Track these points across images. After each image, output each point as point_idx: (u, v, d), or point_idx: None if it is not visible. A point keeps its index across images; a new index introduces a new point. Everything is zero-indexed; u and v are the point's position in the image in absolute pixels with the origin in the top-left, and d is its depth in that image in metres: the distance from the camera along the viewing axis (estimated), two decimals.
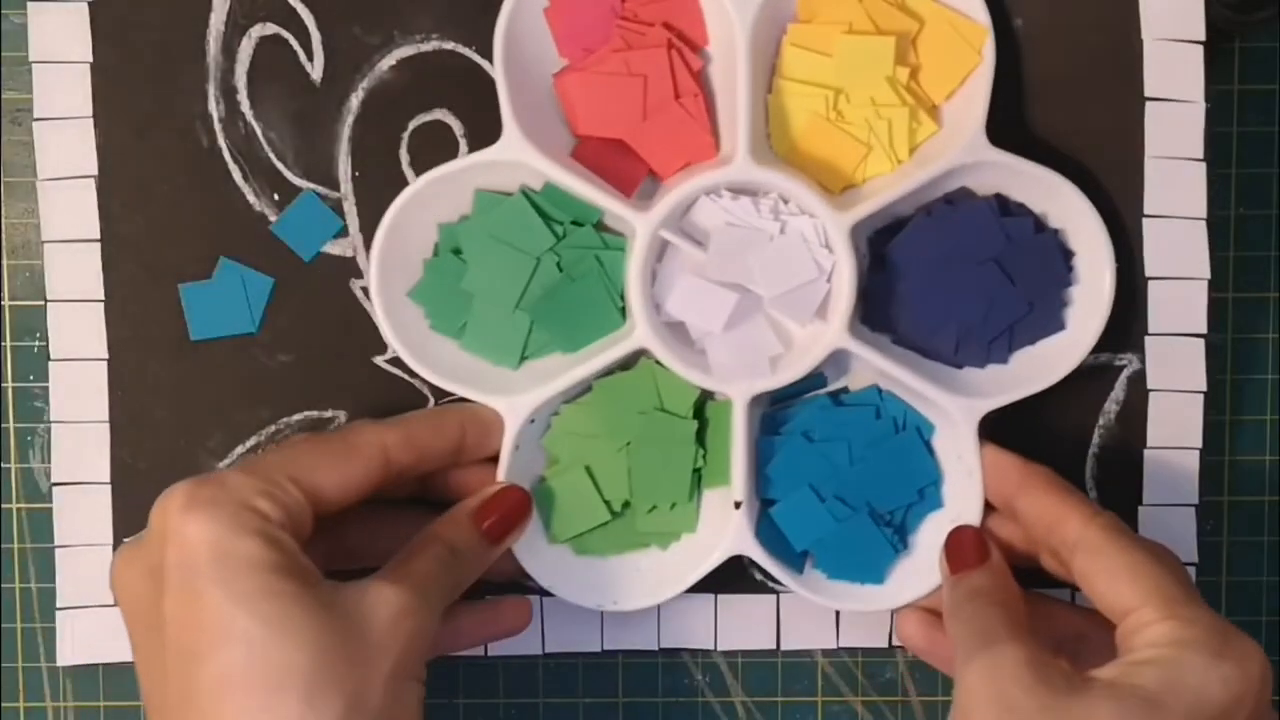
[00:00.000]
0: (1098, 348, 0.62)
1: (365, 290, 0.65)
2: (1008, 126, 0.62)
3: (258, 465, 0.56)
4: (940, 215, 0.62)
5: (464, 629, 0.62)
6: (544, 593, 0.65)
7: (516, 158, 0.61)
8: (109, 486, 0.64)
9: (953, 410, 0.62)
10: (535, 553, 0.63)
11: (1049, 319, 0.63)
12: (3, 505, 0.65)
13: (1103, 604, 0.56)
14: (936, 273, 0.62)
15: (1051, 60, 0.64)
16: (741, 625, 0.66)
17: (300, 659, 0.51)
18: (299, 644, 0.51)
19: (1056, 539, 0.58)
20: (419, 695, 0.55)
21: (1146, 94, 0.64)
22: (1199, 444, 0.65)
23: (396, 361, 0.65)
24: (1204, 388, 0.65)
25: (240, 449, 0.65)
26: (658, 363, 0.62)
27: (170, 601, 0.53)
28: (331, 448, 0.58)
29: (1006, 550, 0.61)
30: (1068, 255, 0.63)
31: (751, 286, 0.62)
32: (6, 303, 0.65)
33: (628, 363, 0.63)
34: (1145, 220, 0.64)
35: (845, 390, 0.64)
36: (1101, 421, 0.65)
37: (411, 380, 0.65)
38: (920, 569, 0.63)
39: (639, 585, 0.64)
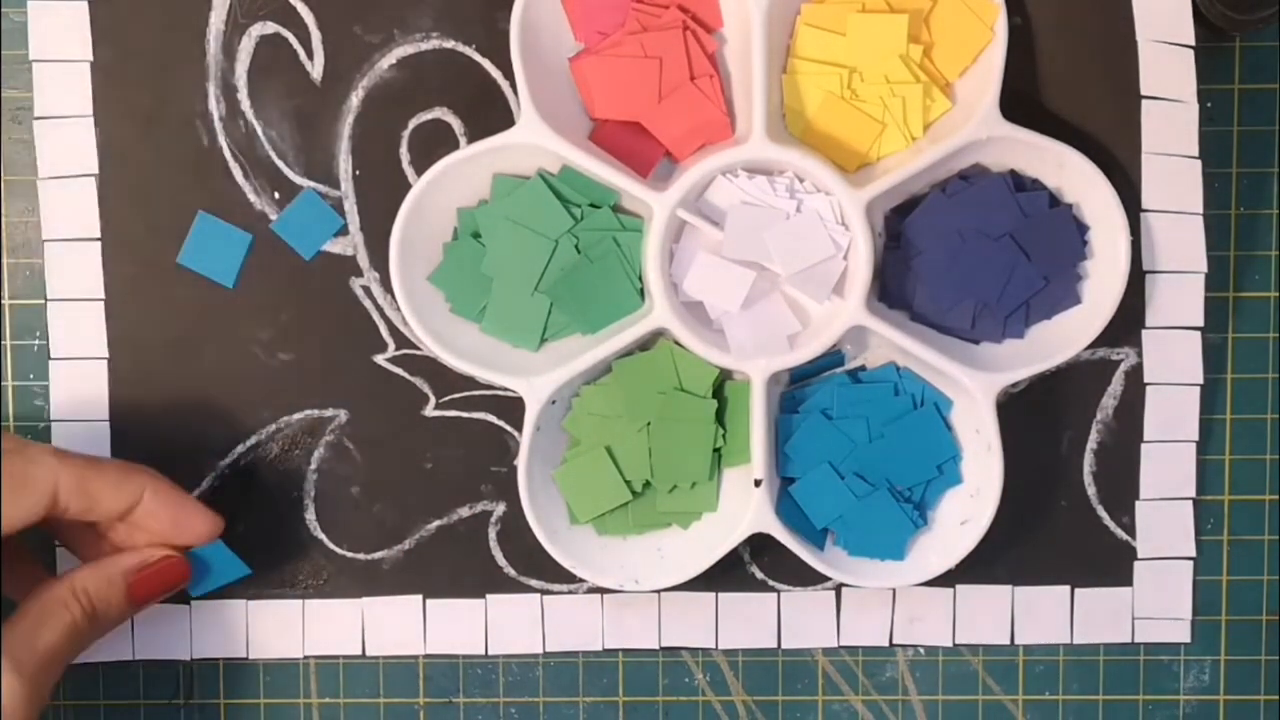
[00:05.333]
0: (1095, 343, 0.63)
1: (365, 289, 0.65)
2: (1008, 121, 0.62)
3: None
4: (955, 191, 0.63)
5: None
6: (544, 592, 0.66)
7: (534, 141, 0.61)
8: None
9: (970, 385, 0.62)
10: (557, 534, 0.63)
11: (1065, 293, 0.63)
12: None
13: None
14: (952, 248, 0.62)
15: (1050, 58, 0.64)
16: (742, 624, 0.66)
17: None
18: None
19: None
20: None
21: (1142, 92, 0.64)
22: (1195, 437, 0.66)
23: (397, 360, 0.65)
24: (1200, 381, 0.65)
25: (240, 448, 0.65)
26: (676, 343, 0.63)
27: None
28: (9, 474, 0.55)
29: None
30: (1082, 229, 0.63)
31: (768, 265, 0.62)
32: (6, 302, 0.65)
33: (647, 343, 0.64)
34: (1143, 215, 0.64)
35: (863, 368, 0.65)
36: (1099, 416, 0.65)
37: (412, 379, 0.65)
38: (941, 544, 0.63)
39: (661, 565, 0.64)
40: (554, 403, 0.63)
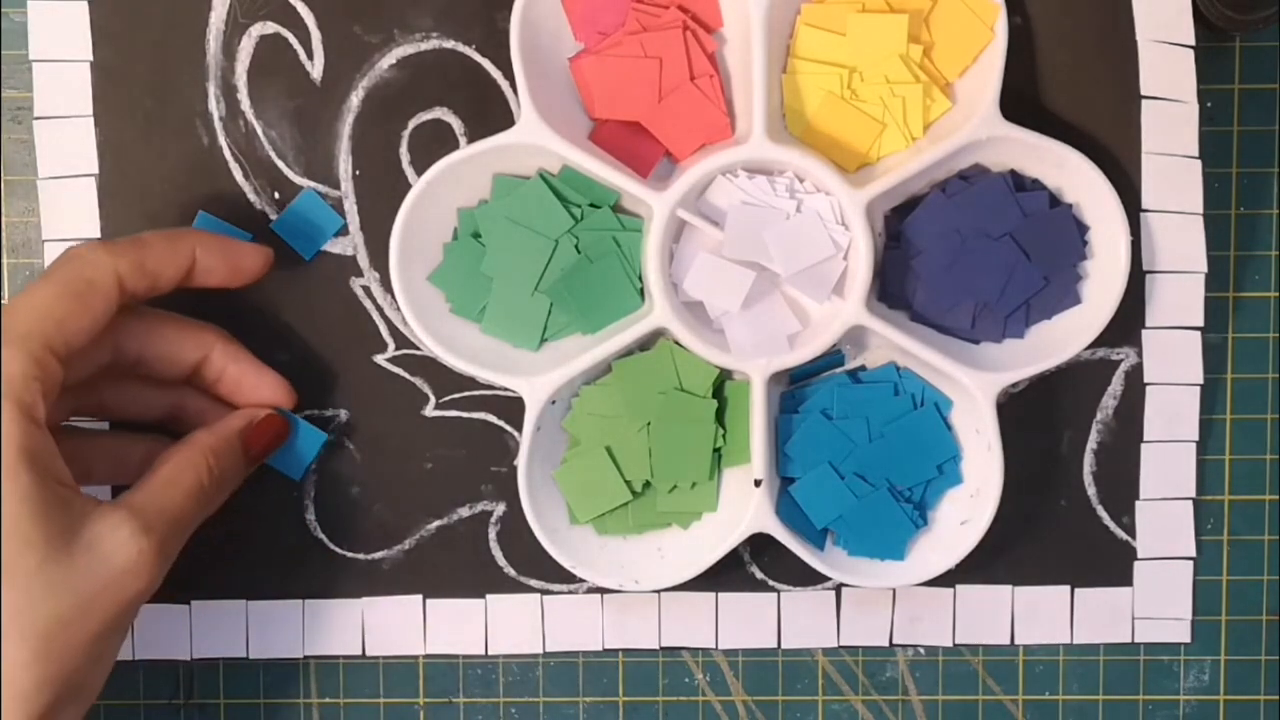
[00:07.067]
0: (1095, 343, 0.63)
1: (365, 289, 0.65)
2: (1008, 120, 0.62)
3: (18, 334, 0.54)
4: (955, 191, 0.63)
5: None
6: (544, 592, 0.66)
7: (534, 141, 0.61)
8: (108, 485, 0.64)
9: (970, 385, 0.62)
10: (557, 534, 0.63)
11: (1065, 293, 0.63)
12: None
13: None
14: (952, 248, 0.62)
15: (1050, 58, 0.64)
16: (742, 624, 0.66)
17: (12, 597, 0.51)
18: (13, 577, 0.52)
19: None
20: (118, 646, 0.56)
21: (1142, 92, 0.64)
22: (1195, 437, 0.66)
23: (397, 360, 0.65)
24: (1201, 381, 0.65)
25: None
26: (676, 342, 0.63)
27: None
28: (73, 290, 0.55)
29: None
30: (1082, 229, 0.63)
31: (768, 265, 0.62)
32: (6, 302, 0.65)
33: (647, 343, 0.64)
34: (1143, 215, 0.64)
35: (863, 368, 0.65)
36: (1099, 416, 0.65)
37: (412, 379, 0.65)
38: (941, 544, 0.63)
39: (661, 565, 0.64)
40: (554, 403, 0.63)
